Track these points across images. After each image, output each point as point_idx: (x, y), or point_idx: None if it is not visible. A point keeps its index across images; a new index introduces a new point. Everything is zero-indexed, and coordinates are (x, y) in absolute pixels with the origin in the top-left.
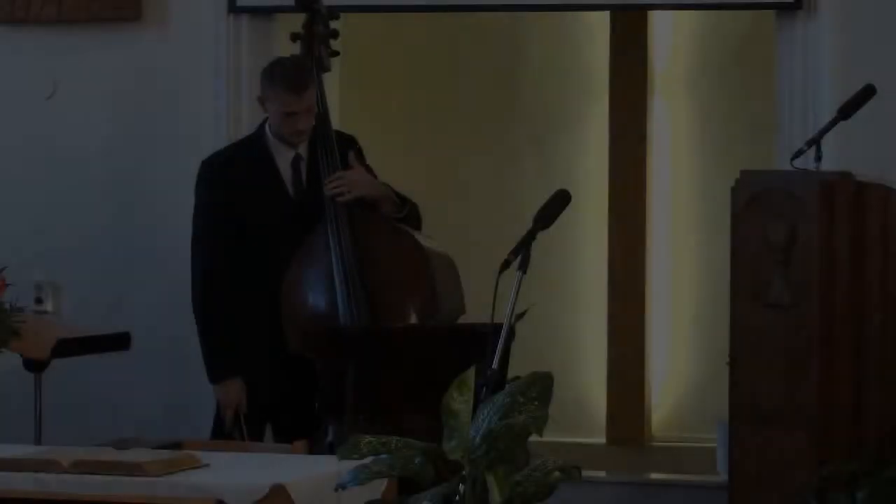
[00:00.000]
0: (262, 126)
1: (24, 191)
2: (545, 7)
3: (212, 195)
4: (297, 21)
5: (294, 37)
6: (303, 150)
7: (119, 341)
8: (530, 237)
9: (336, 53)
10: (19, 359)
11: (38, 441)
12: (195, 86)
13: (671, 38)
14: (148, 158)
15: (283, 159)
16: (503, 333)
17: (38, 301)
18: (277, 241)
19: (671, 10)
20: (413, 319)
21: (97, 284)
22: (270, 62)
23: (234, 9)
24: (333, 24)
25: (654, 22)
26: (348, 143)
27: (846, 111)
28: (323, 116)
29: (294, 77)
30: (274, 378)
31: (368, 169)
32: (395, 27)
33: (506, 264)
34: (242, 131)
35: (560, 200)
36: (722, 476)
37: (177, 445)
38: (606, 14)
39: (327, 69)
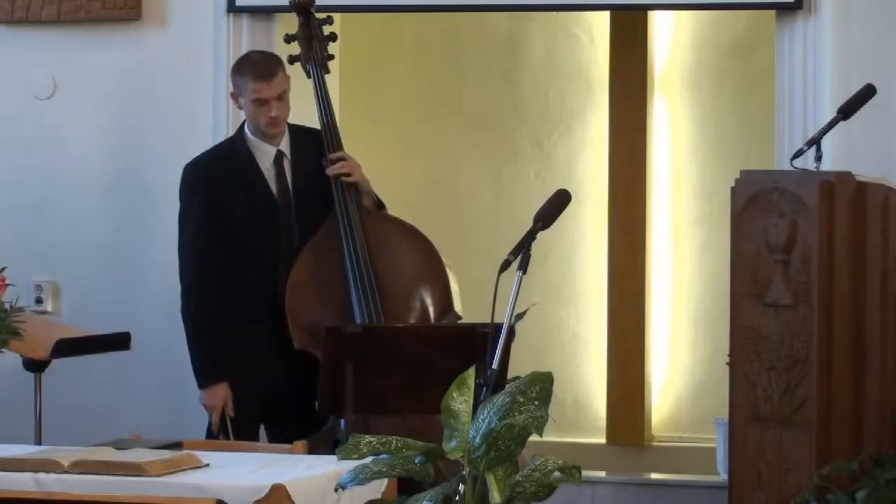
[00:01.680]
0: (241, 127)
1: (24, 191)
2: (545, 7)
3: (195, 199)
4: (296, 21)
5: (289, 38)
6: (285, 146)
7: (119, 341)
8: (530, 237)
9: (331, 57)
10: (19, 359)
11: (38, 441)
12: (195, 86)
13: (671, 38)
14: (148, 158)
15: (265, 157)
16: (503, 333)
17: (38, 301)
18: (266, 238)
19: (671, 10)
20: (428, 318)
21: (97, 284)
22: (238, 58)
23: (233, 9)
24: (328, 28)
25: (654, 22)
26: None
27: (846, 111)
28: (327, 111)
29: (262, 64)
30: (272, 376)
31: None
32: (394, 27)
33: (506, 264)
34: None
35: (560, 200)
36: (722, 476)
37: (177, 445)
38: (606, 14)
39: (328, 71)
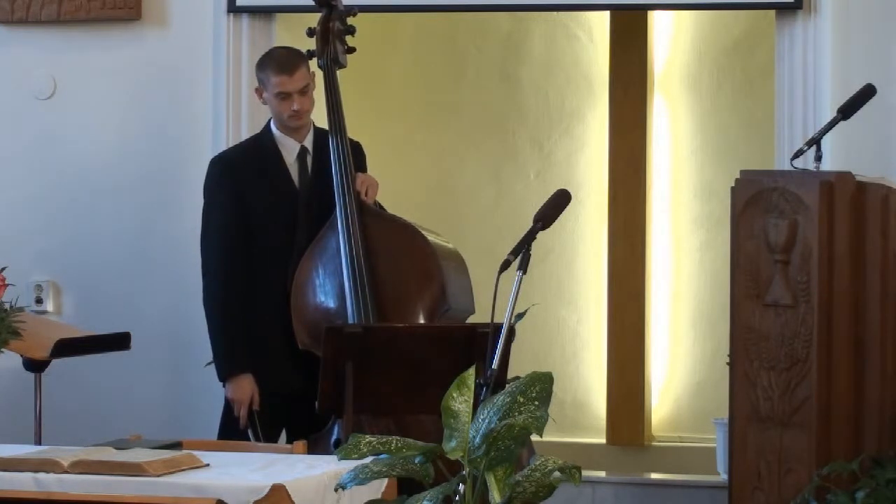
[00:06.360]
0: (267, 125)
1: (24, 191)
2: (545, 7)
3: (221, 192)
4: (296, 21)
5: (310, 32)
6: (308, 142)
7: (119, 341)
8: (530, 237)
9: (352, 50)
10: (19, 359)
11: (38, 441)
12: (195, 86)
13: (671, 38)
14: (147, 158)
15: (289, 152)
16: (503, 333)
17: (38, 301)
18: (285, 233)
19: (671, 10)
20: (421, 320)
21: (97, 284)
22: (262, 55)
23: (233, 8)
24: (350, 21)
25: (654, 22)
26: (357, 149)
27: (846, 111)
28: (336, 108)
29: (284, 58)
30: (287, 373)
31: None
32: (395, 27)
33: (506, 264)
34: (242, 131)
35: (560, 200)
36: (722, 476)
37: (177, 445)
38: (606, 14)
39: (342, 65)
